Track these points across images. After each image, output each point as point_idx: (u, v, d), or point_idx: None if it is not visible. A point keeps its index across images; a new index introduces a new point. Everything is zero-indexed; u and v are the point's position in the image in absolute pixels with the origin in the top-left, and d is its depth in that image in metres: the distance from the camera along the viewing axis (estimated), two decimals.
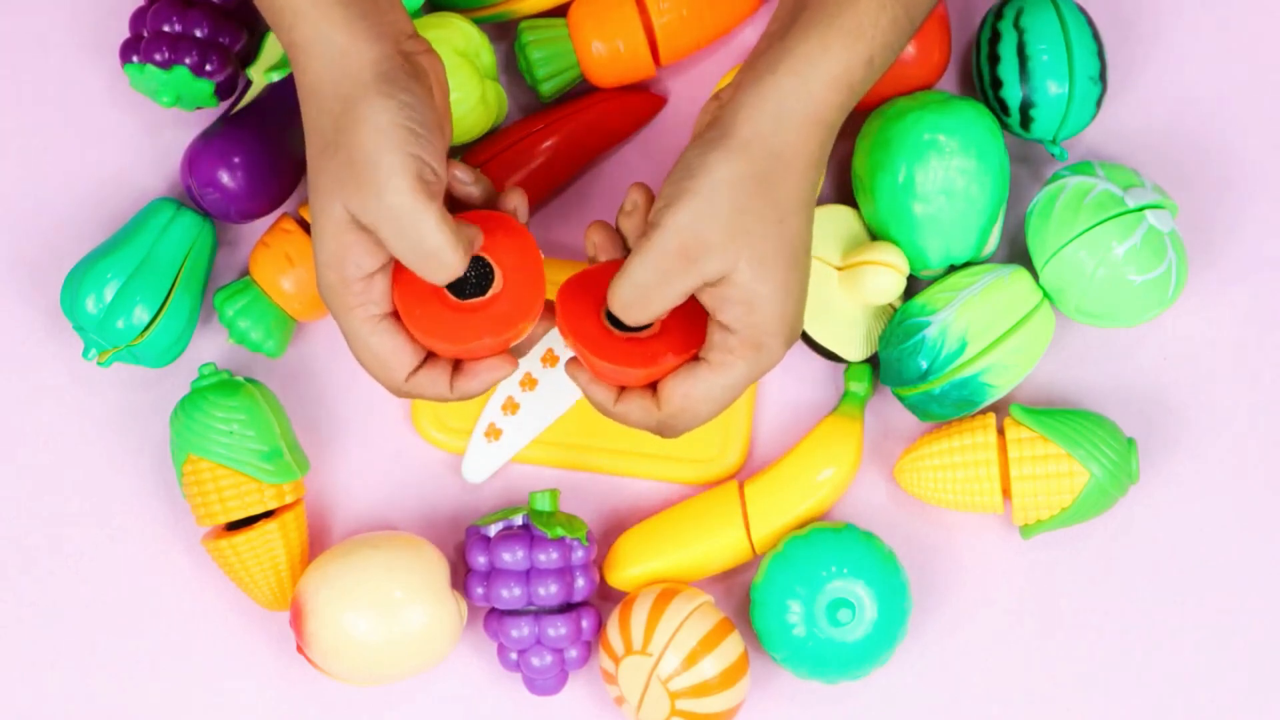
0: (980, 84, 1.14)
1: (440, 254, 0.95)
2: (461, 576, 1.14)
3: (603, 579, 1.14)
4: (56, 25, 1.17)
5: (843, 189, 1.16)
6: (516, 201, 1.02)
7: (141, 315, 1.10)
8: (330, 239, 0.96)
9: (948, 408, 1.11)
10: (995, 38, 1.13)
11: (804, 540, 1.10)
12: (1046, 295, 1.11)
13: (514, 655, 1.11)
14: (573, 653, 1.11)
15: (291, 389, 1.16)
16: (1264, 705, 1.14)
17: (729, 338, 0.97)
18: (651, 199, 1.00)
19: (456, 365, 1.00)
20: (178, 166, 1.16)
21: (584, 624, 1.11)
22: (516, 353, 1.01)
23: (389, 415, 1.16)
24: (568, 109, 1.15)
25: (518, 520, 1.11)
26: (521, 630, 1.10)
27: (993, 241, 1.13)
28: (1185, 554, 1.15)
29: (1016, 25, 1.12)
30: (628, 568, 1.13)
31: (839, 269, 1.12)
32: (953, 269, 1.13)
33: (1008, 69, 1.12)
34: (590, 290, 1.01)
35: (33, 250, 1.16)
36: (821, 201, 1.15)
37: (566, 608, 1.11)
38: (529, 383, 1.14)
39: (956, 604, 1.14)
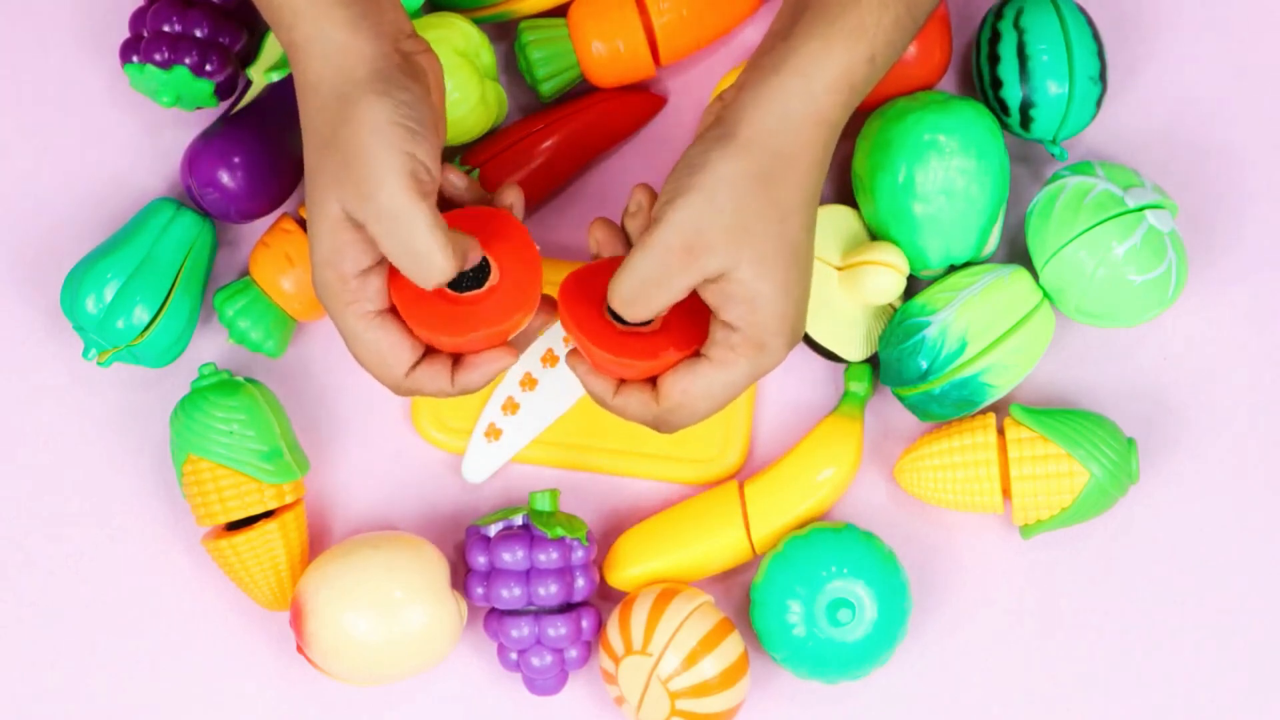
0: (980, 84, 1.14)
1: (428, 255, 0.94)
2: (461, 576, 1.14)
3: (603, 579, 1.14)
4: (56, 25, 1.18)
5: (843, 189, 1.16)
6: (513, 198, 1.02)
7: (141, 315, 1.10)
8: (326, 236, 0.96)
9: (948, 408, 1.11)
10: (995, 38, 1.13)
11: (804, 540, 1.10)
12: (1046, 295, 1.11)
13: (514, 655, 1.11)
14: (573, 653, 1.11)
15: (291, 389, 1.16)
16: (1264, 705, 1.14)
17: (732, 335, 0.97)
18: (654, 199, 1.00)
19: (456, 360, 1.00)
20: (178, 166, 1.16)
21: (584, 624, 1.11)
22: (516, 345, 1.01)
23: (389, 415, 1.16)
24: (568, 109, 1.15)
25: (518, 520, 1.11)
26: (521, 630, 1.10)
27: (993, 241, 1.13)
28: (1185, 554, 1.15)
29: (1016, 25, 1.12)
30: (628, 568, 1.13)
31: (839, 269, 1.12)
32: (953, 269, 1.13)
33: (1008, 69, 1.12)
34: (593, 284, 1.01)
35: (33, 250, 1.16)
36: (821, 201, 1.15)
37: (566, 608, 1.11)
38: (529, 383, 1.14)
39: (956, 604, 1.14)
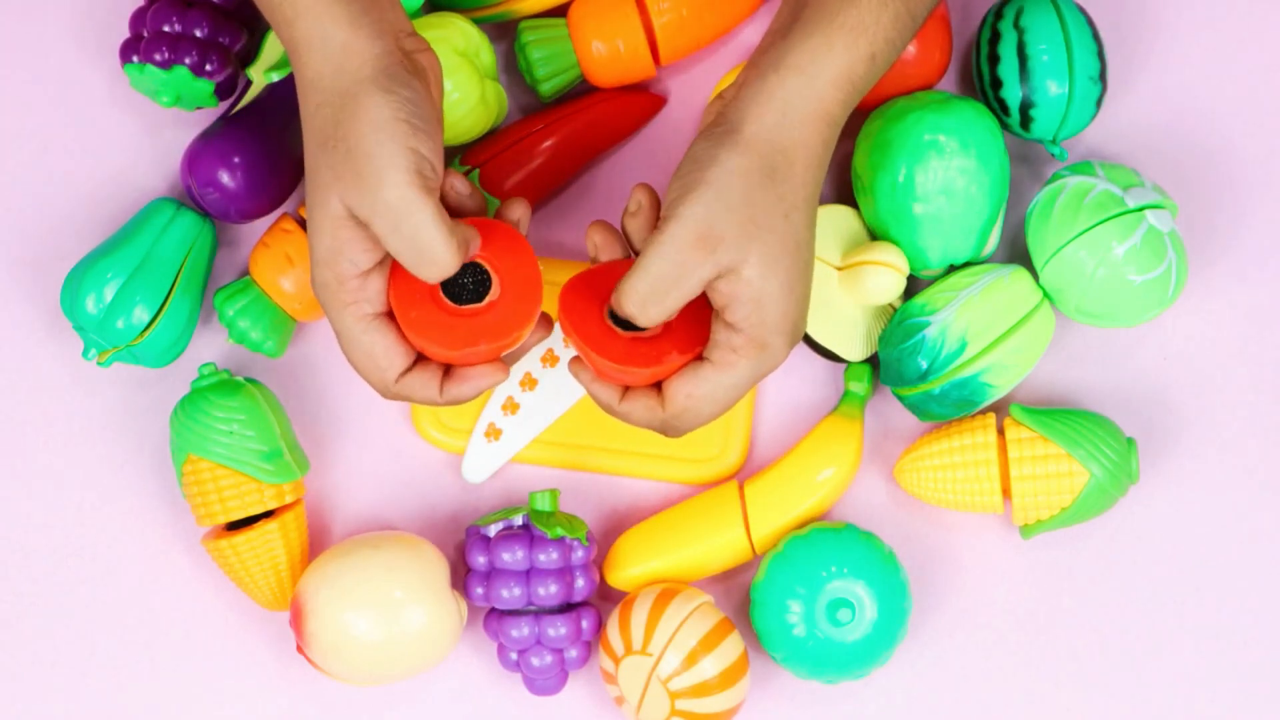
0: (980, 84, 1.14)
1: (434, 250, 0.94)
2: (461, 576, 1.14)
3: (603, 579, 1.14)
4: (56, 25, 1.18)
5: (843, 189, 1.16)
6: (520, 213, 1.02)
7: (141, 315, 1.10)
8: (326, 235, 0.96)
9: (948, 408, 1.11)
10: (995, 38, 1.13)
11: (804, 540, 1.10)
12: (1046, 295, 1.11)
13: (514, 655, 1.11)
14: (573, 653, 1.11)
15: (291, 389, 1.16)
16: (1264, 705, 1.14)
17: (734, 336, 0.97)
18: (656, 199, 1.00)
19: (447, 370, 1.00)
20: (178, 166, 1.16)
21: (584, 624, 1.11)
22: (508, 361, 1.01)
23: (389, 415, 1.16)
24: (568, 109, 1.15)
25: (518, 520, 1.11)
26: (521, 630, 1.10)
27: (993, 241, 1.13)
28: (1185, 554, 1.15)
29: (1016, 25, 1.12)
30: (628, 568, 1.13)
31: (839, 269, 1.12)
32: (953, 269, 1.13)
33: (1008, 69, 1.12)
34: (593, 290, 1.01)
35: (33, 250, 1.16)
36: (822, 201, 1.15)
37: (566, 608, 1.11)
38: (529, 383, 1.14)
39: (956, 604, 1.14)
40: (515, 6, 1.15)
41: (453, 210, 1.01)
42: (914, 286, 1.15)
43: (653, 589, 1.11)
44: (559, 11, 1.16)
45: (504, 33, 1.18)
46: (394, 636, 1.09)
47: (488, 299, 0.99)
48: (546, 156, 1.14)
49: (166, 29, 1.11)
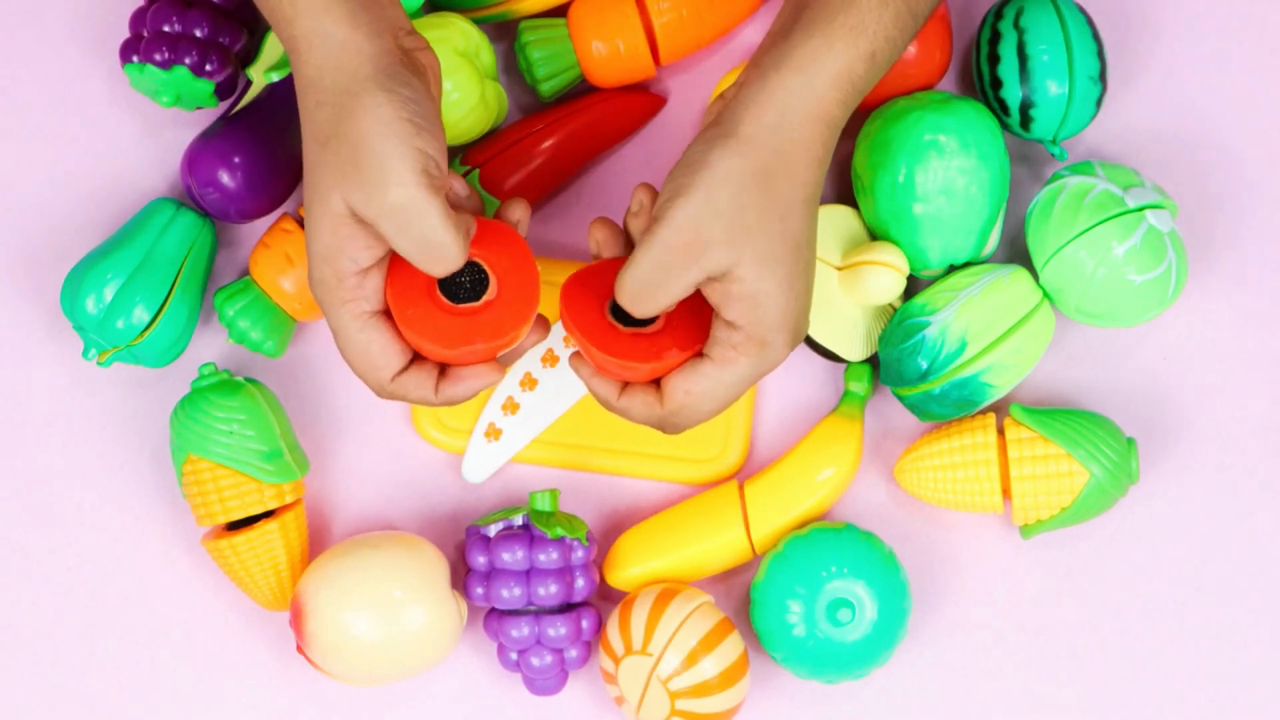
0: (980, 84, 1.14)
1: (444, 247, 0.95)
2: (461, 576, 1.14)
3: (603, 579, 1.14)
4: (56, 25, 1.18)
5: (843, 189, 1.16)
6: (520, 214, 1.02)
7: (141, 315, 1.10)
8: (326, 233, 0.96)
9: (948, 408, 1.11)
10: (995, 38, 1.13)
11: (804, 540, 1.10)
12: (1046, 295, 1.11)
13: (514, 655, 1.11)
14: (573, 653, 1.11)
15: (291, 389, 1.16)
16: (1264, 705, 1.14)
17: (733, 334, 0.97)
18: (656, 199, 1.00)
19: (443, 370, 1.00)
20: (178, 166, 1.16)
21: (584, 624, 1.11)
22: (504, 361, 1.01)
23: (389, 415, 1.16)
24: (568, 109, 1.15)
25: (518, 520, 1.11)
26: (521, 630, 1.10)
27: (993, 241, 1.13)
28: (1185, 554, 1.15)
29: (1016, 25, 1.12)
30: (628, 568, 1.13)
31: (839, 269, 1.12)
32: (953, 269, 1.13)
33: (1008, 69, 1.12)
34: (594, 286, 1.01)
35: (33, 250, 1.16)
36: (822, 201, 1.15)
37: (566, 608, 1.11)
38: (529, 383, 1.14)
39: (956, 604, 1.14)
40: (515, 6, 1.15)
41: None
42: (914, 286, 1.15)
43: (653, 589, 1.11)
44: (559, 11, 1.16)
45: (504, 33, 1.18)
46: (394, 636, 1.09)
47: (485, 298, 0.99)
48: (546, 156, 1.14)
49: (166, 29, 1.11)
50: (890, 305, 1.13)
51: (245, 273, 1.15)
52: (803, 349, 1.14)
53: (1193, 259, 1.15)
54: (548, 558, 1.09)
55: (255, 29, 1.15)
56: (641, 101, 1.16)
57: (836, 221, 1.13)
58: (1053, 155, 1.15)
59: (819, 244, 1.11)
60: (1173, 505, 1.15)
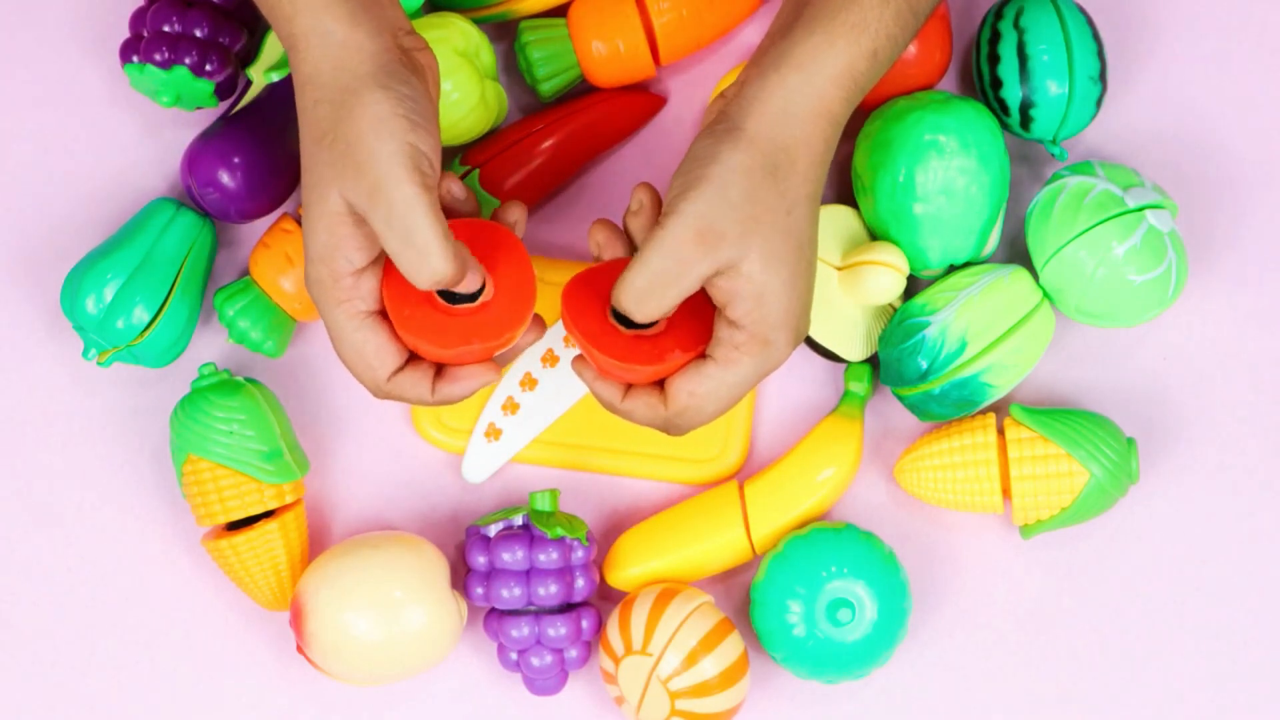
0: (980, 84, 1.14)
1: (428, 248, 0.94)
2: (461, 576, 1.14)
3: (603, 579, 1.14)
4: (56, 25, 1.18)
5: (843, 189, 1.16)
6: (517, 215, 1.02)
7: (141, 315, 1.10)
8: (323, 231, 0.96)
9: (948, 408, 1.11)
10: (995, 38, 1.13)
11: (804, 540, 1.10)
12: (1046, 295, 1.11)
13: (514, 655, 1.11)
14: (573, 653, 1.11)
15: (291, 389, 1.16)
16: (1264, 705, 1.14)
17: (736, 334, 0.97)
18: (657, 198, 1.00)
19: (439, 370, 1.00)
20: (178, 166, 1.16)
21: (584, 624, 1.11)
22: (500, 362, 1.01)
23: (389, 415, 1.16)
24: (568, 109, 1.15)
25: (518, 520, 1.11)
26: (521, 630, 1.10)
27: (993, 241, 1.13)
28: (1185, 554, 1.15)
29: (1016, 25, 1.12)
30: (628, 568, 1.13)
31: (839, 269, 1.12)
32: (953, 269, 1.13)
33: (1008, 69, 1.12)
34: (595, 288, 1.01)
35: (33, 250, 1.16)
36: (822, 201, 1.14)
37: (566, 608, 1.11)
38: (529, 383, 1.14)
39: (956, 604, 1.14)
40: (515, 6, 1.15)
41: (448, 214, 1.01)
42: (914, 286, 1.15)
43: (653, 589, 1.11)
44: (559, 11, 1.16)
45: (504, 33, 1.18)
46: (394, 636, 1.09)
47: (481, 299, 0.99)
48: (546, 156, 1.14)
49: (166, 29, 1.11)
50: (890, 305, 1.13)
51: (245, 273, 1.15)
52: (803, 349, 1.14)
53: (1193, 259, 1.15)
54: (548, 558, 1.09)
55: (255, 29, 1.15)
56: (641, 101, 1.16)
57: (836, 221, 1.13)
58: (1053, 155, 1.15)
59: (819, 244, 1.11)
60: (1173, 505, 1.15)
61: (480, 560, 1.10)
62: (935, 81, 1.14)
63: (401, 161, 0.93)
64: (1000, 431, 1.13)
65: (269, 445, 1.10)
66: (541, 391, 1.14)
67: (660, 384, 1.00)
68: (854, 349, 1.13)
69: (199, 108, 1.14)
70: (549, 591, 1.09)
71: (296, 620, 1.10)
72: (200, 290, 1.13)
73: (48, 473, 1.15)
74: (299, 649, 1.11)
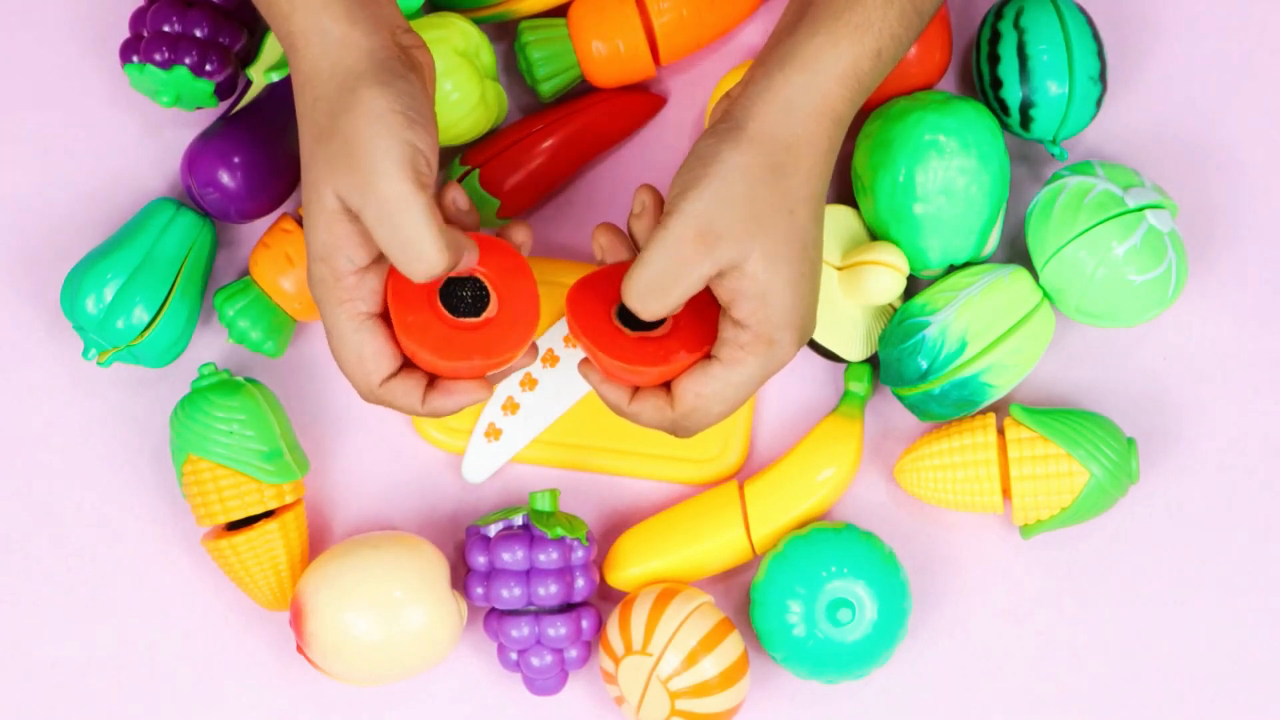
0: (980, 84, 1.14)
1: (420, 244, 0.94)
2: (461, 576, 1.14)
3: (603, 579, 1.14)
4: (56, 25, 1.17)
5: (843, 189, 1.16)
6: (523, 237, 1.02)
7: (141, 315, 1.10)
8: (323, 230, 0.96)
9: (948, 408, 1.11)
10: (995, 38, 1.13)
11: (804, 540, 1.10)
12: (1046, 295, 1.11)
13: (514, 655, 1.11)
14: (573, 653, 1.11)
15: (291, 389, 1.16)
16: (1264, 705, 1.14)
17: (741, 334, 0.97)
18: (659, 200, 1.00)
19: (431, 381, 1.00)
20: (178, 166, 1.16)
21: (584, 624, 1.11)
22: (492, 380, 1.01)
23: (389, 415, 1.16)
24: (568, 109, 1.15)
25: (518, 520, 1.11)
26: (521, 630, 1.10)
27: (993, 241, 1.13)
28: (1185, 554, 1.15)
29: (1016, 25, 1.12)
30: (628, 568, 1.13)
31: (839, 269, 1.12)
32: (953, 269, 1.13)
33: (1008, 69, 1.12)
34: (600, 291, 1.01)
35: (33, 250, 1.16)
36: None
37: (566, 608, 1.11)
38: (529, 383, 1.14)
39: (956, 604, 1.14)
40: (515, 6, 1.15)
41: (450, 222, 1.01)
42: (914, 286, 1.15)
43: (653, 589, 1.11)
44: (559, 11, 1.16)
45: (504, 33, 1.18)
46: (394, 636, 1.09)
47: (485, 315, 0.99)
48: (546, 156, 1.14)
49: (166, 29, 1.11)
50: (890, 305, 1.13)
51: (245, 273, 1.15)
52: (802, 349, 1.14)
53: (1193, 259, 1.15)
54: (548, 558, 1.09)
55: (255, 29, 1.15)
56: (641, 101, 1.16)
57: (836, 221, 1.13)
58: (1053, 155, 1.15)
59: None
60: (1173, 505, 1.15)
61: (480, 560, 1.10)
62: (935, 81, 1.14)
63: (395, 158, 0.93)
64: (1000, 431, 1.13)
65: (269, 445, 1.10)
66: (541, 391, 1.14)
67: (667, 386, 1.00)
68: (854, 349, 1.13)
69: (199, 108, 1.14)
70: (549, 591, 1.09)
71: (296, 620, 1.10)
72: (200, 290, 1.13)
73: (48, 473, 1.15)
74: (299, 649, 1.11)
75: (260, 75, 1.13)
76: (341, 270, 0.97)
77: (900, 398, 1.12)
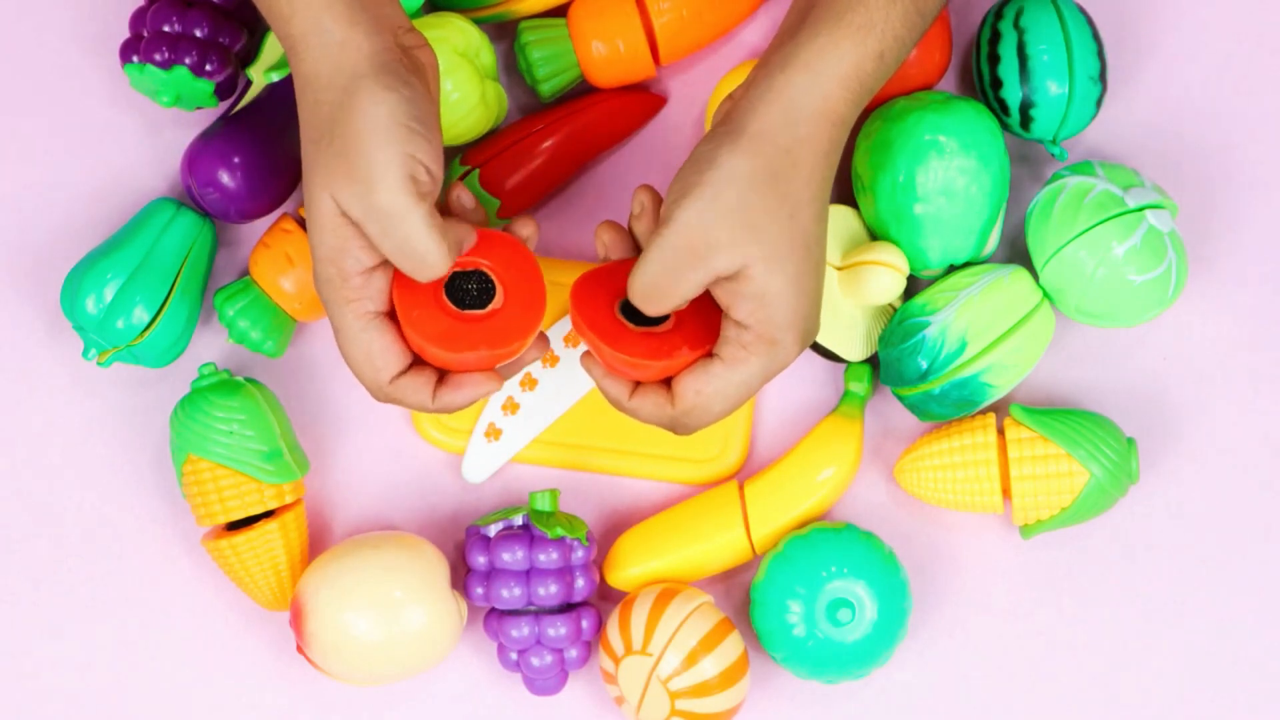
0: (980, 84, 1.14)
1: (425, 255, 0.95)
2: (461, 576, 1.14)
3: (603, 579, 1.14)
4: (56, 25, 1.17)
5: (843, 189, 1.16)
6: (529, 230, 1.02)
7: (141, 315, 1.10)
8: (328, 233, 0.96)
9: (948, 408, 1.11)
10: (995, 38, 1.13)
11: (804, 540, 1.10)
12: (1046, 295, 1.11)
13: (514, 655, 1.11)
14: (573, 653, 1.11)
15: (291, 389, 1.16)
16: (1264, 705, 1.14)
17: (743, 334, 0.97)
18: (658, 200, 1.01)
19: (441, 377, 1.00)
20: (178, 166, 1.16)
21: (584, 624, 1.11)
22: (502, 373, 1.01)
23: (389, 415, 1.16)
24: (568, 109, 1.15)
25: (518, 520, 1.11)
26: (521, 630, 1.10)
27: (993, 241, 1.13)
28: (1185, 554, 1.15)
29: (1016, 25, 1.12)
30: (628, 568, 1.13)
31: (839, 269, 1.12)
32: (953, 269, 1.13)
33: (1008, 69, 1.12)
34: (604, 286, 1.01)
35: (33, 250, 1.16)
36: None
37: (566, 608, 1.11)
38: (529, 383, 1.14)
39: (956, 604, 1.14)
40: (515, 6, 1.15)
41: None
42: (914, 286, 1.15)
43: (653, 589, 1.11)
44: (559, 11, 1.16)
45: (504, 33, 1.18)
46: (394, 636, 1.09)
47: (490, 306, 1.00)
48: (546, 156, 1.14)
49: (166, 29, 1.11)
50: (890, 305, 1.13)
51: (245, 273, 1.15)
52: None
53: (1193, 259, 1.15)
54: (548, 558, 1.09)
55: (255, 29, 1.15)
56: (641, 101, 1.16)
57: (836, 221, 1.13)
58: (1053, 155, 1.15)
59: None
60: (1173, 505, 1.15)
61: (480, 560, 1.10)
62: (935, 81, 1.14)
63: (395, 172, 0.94)
64: (1000, 431, 1.13)
65: (269, 445, 1.10)
66: (541, 391, 1.14)
67: (667, 383, 1.00)
68: (854, 349, 1.13)
69: (199, 108, 1.14)
70: (549, 591, 1.09)
71: (296, 620, 1.10)
72: (200, 290, 1.13)
73: (48, 473, 1.15)
74: (299, 649, 1.11)
75: (260, 75, 1.13)
76: (349, 271, 0.97)
77: (900, 398, 1.12)
